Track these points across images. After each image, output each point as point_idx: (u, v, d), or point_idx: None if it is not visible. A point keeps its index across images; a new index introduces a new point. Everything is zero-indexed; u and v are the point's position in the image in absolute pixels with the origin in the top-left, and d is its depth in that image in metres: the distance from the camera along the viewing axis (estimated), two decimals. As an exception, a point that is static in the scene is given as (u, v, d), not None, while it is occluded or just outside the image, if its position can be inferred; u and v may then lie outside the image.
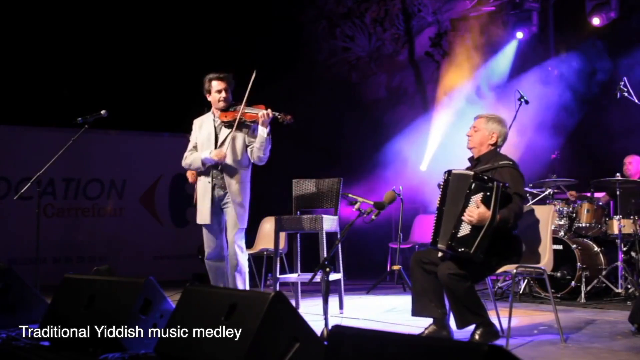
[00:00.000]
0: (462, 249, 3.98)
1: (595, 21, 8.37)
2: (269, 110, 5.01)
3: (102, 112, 5.81)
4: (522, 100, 6.65)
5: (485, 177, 4.07)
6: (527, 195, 6.52)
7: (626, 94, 6.17)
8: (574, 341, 4.34)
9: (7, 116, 8.54)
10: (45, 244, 6.86)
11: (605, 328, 4.84)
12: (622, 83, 6.19)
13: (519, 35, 9.06)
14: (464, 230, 4.01)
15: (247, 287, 5.15)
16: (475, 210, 3.97)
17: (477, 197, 4.00)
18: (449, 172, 4.24)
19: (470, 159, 4.46)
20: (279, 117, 5.06)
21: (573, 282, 6.26)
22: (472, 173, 4.13)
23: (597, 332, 4.69)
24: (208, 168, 5.09)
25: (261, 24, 9.84)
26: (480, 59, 9.10)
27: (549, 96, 8.42)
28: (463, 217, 4.00)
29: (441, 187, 4.25)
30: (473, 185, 4.04)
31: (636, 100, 6.21)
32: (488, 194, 3.98)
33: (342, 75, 10.40)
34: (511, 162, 4.29)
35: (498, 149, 4.42)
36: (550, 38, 9.07)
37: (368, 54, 10.29)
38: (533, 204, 6.55)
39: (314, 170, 7.11)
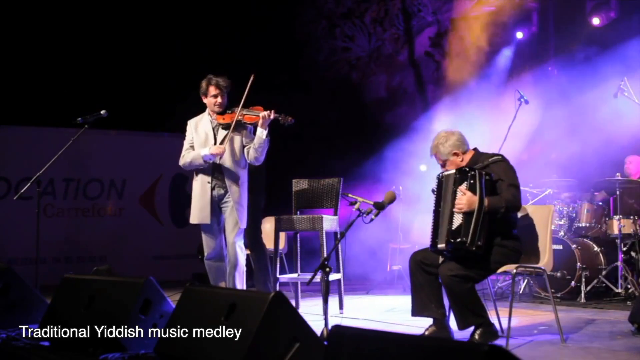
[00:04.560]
0: (459, 240, 3.98)
1: (595, 21, 8.37)
2: (270, 112, 5.01)
3: (102, 112, 5.82)
4: (522, 100, 6.65)
5: (466, 169, 4.12)
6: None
7: (626, 94, 6.17)
8: (574, 341, 4.34)
9: (7, 116, 8.54)
10: (45, 244, 6.85)
11: (605, 328, 4.84)
12: (622, 83, 6.18)
13: (519, 35, 9.06)
14: (457, 221, 4.04)
15: (245, 287, 5.17)
16: (463, 197, 4.02)
17: (462, 187, 4.06)
18: (440, 174, 4.30)
19: None
20: (280, 118, 5.06)
21: (573, 282, 6.27)
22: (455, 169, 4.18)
23: (597, 332, 4.69)
24: (207, 168, 5.09)
25: (261, 24, 9.83)
26: (480, 58, 9.09)
27: (548, 95, 8.41)
28: (454, 209, 4.04)
29: (435, 192, 4.29)
30: (457, 177, 4.09)
31: (636, 100, 6.21)
32: (472, 182, 4.03)
33: (342, 75, 10.40)
34: (500, 156, 4.32)
35: (472, 150, 4.41)
36: (550, 38, 9.06)
37: (368, 54, 10.28)
38: (533, 204, 6.55)
39: (314, 170, 7.11)
